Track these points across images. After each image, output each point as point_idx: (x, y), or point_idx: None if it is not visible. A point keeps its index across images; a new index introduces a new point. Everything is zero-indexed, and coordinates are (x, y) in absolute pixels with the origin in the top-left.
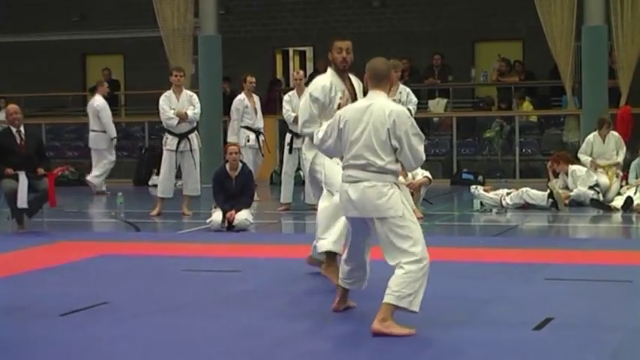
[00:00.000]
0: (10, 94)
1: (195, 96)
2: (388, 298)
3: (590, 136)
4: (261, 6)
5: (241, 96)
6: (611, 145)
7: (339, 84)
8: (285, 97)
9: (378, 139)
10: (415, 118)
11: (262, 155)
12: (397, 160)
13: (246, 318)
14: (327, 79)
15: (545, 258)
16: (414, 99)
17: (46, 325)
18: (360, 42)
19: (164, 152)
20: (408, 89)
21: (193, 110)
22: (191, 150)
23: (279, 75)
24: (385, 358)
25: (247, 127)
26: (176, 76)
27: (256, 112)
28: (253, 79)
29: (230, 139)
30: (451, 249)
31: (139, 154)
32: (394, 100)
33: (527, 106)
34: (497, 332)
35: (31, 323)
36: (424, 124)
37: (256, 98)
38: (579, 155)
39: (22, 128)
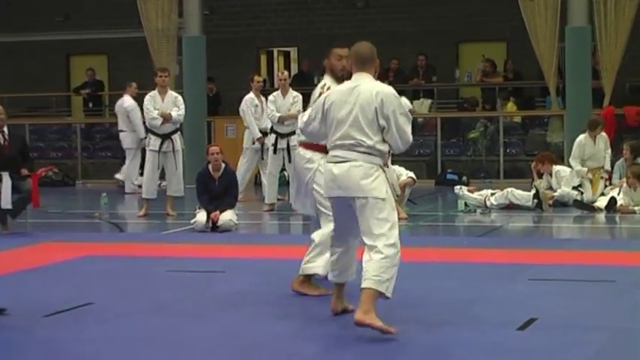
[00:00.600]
0: None
1: (180, 97)
2: (368, 283)
3: (581, 138)
4: (246, 6)
5: (251, 95)
6: (601, 146)
7: None
8: (270, 98)
9: (366, 118)
10: None
11: (262, 158)
12: (384, 141)
13: (230, 319)
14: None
15: (529, 258)
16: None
17: (29, 326)
18: (344, 43)
19: (147, 153)
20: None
21: (177, 112)
22: (174, 151)
23: (264, 75)
24: (370, 358)
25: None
26: (161, 76)
27: (263, 112)
28: (260, 79)
29: (256, 137)
30: (435, 249)
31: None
32: None
33: (511, 106)
34: (481, 332)
35: (14, 324)
36: None
37: (263, 98)
38: (571, 161)
39: (5, 129)
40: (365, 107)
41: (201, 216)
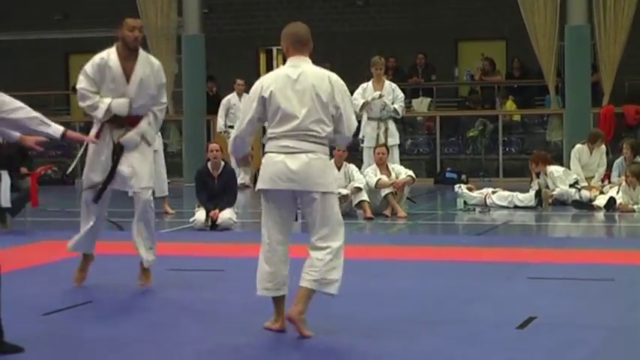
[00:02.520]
0: None
1: None
2: (314, 285)
3: (578, 147)
4: (245, 5)
5: (232, 95)
6: (596, 159)
7: None
8: None
9: (322, 106)
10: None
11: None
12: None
13: (230, 317)
14: None
15: (528, 257)
16: (401, 94)
17: (28, 324)
18: (344, 41)
19: None
20: (394, 84)
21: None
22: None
23: (263, 74)
24: (370, 357)
25: (233, 127)
26: None
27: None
28: (242, 81)
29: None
30: (434, 248)
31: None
32: (381, 97)
33: (510, 105)
34: (480, 331)
35: (13, 323)
36: (408, 123)
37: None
38: (572, 165)
39: None
40: (319, 93)
41: (201, 214)
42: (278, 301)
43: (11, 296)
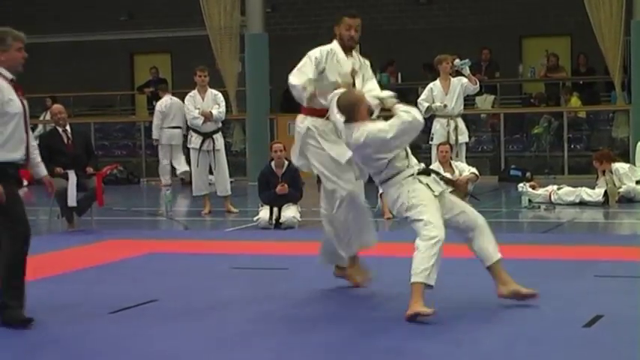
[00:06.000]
0: (59, 94)
1: (219, 95)
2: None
3: None
4: (307, 3)
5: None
6: None
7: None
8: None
9: None
10: (462, 115)
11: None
12: None
13: (295, 316)
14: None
15: (594, 255)
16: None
17: (95, 323)
18: (407, 38)
19: (190, 151)
20: (462, 79)
21: (218, 109)
22: (214, 150)
23: None
24: (437, 355)
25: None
26: (200, 76)
27: None
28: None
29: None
30: (499, 246)
31: (187, 152)
32: (445, 106)
33: (575, 101)
34: (546, 329)
35: (80, 321)
36: (471, 120)
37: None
38: (637, 162)
39: (67, 127)
40: None
41: (265, 213)
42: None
43: (78, 294)
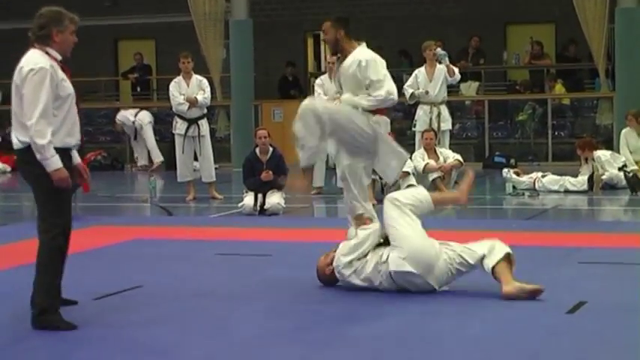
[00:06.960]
0: None
1: (204, 80)
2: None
3: (625, 130)
4: None
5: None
6: None
7: None
8: (317, 81)
9: None
10: (447, 102)
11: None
12: None
13: (277, 302)
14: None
15: (578, 241)
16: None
17: (79, 309)
18: (393, 25)
19: (175, 137)
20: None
21: (203, 95)
22: (199, 136)
23: (311, 59)
24: (421, 341)
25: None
26: (183, 62)
27: None
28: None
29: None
30: (483, 232)
31: (171, 139)
32: (427, 93)
33: (559, 88)
34: (530, 315)
35: (64, 307)
36: (456, 107)
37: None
38: (621, 150)
39: None
40: None
41: (249, 199)
42: None
43: (62, 281)
